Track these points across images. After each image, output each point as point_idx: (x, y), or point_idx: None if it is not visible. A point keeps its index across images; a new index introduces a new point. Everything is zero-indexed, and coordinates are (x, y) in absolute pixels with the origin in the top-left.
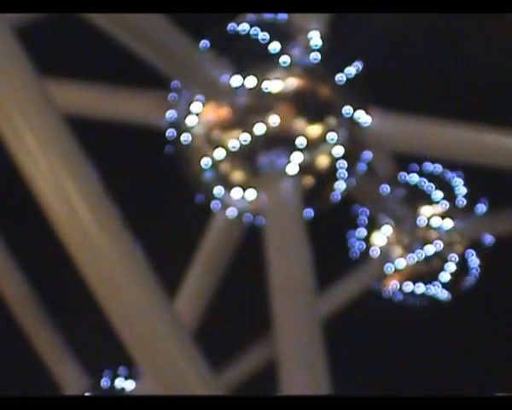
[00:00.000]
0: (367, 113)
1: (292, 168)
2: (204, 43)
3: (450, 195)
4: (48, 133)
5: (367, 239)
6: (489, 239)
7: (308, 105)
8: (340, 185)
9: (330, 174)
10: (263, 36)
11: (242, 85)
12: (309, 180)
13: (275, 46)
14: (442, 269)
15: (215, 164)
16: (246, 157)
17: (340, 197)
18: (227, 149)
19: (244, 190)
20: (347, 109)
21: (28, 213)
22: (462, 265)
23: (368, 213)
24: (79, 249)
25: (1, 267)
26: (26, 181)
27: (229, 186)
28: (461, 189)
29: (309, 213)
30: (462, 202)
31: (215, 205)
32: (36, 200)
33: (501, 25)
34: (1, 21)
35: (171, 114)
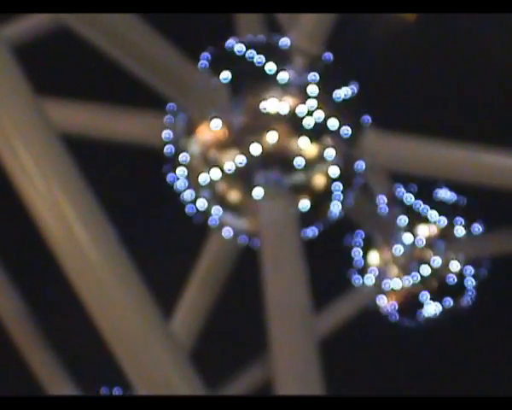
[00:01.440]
0: (363, 132)
1: (288, 188)
2: (201, 63)
3: (446, 214)
4: (44, 152)
5: (363, 259)
6: (486, 259)
7: (304, 125)
8: (336, 205)
9: (326, 194)
10: (259, 56)
11: (239, 105)
12: (305, 200)
13: (271, 66)
14: (439, 289)
15: (211, 183)
16: (242, 177)
17: (336, 217)
18: (223, 169)
19: (240, 209)
20: (343, 129)
21: (24, 232)
22: (459, 285)
23: (364, 232)
24: (75, 267)
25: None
26: (22, 199)
27: (225, 206)
28: (457, 208)
29: (305, 232)
30: (458, 221)
31: (212, 224)
32: (32, 218)
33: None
34: None
35: (167, 133)
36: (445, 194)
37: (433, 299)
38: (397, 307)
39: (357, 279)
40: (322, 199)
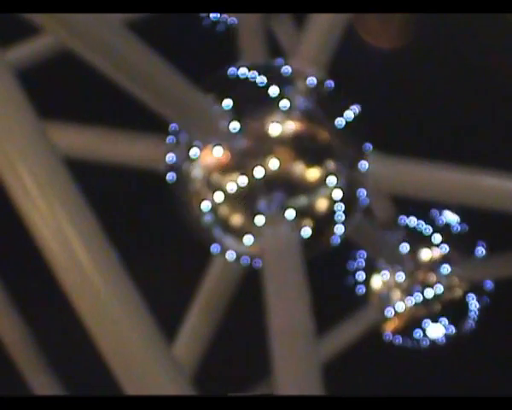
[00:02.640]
0: (366, 156)
1: (291, 212)
2: (204, 86)
3: (449, 238)
4: (48, 176)
5: (366, 283)
6: (489, 282)
7: (307, 149)
8: (339, 229)
9: (329, 218)
10: (261, 80)
11: (241, 129)
12: (308, 224)
13: (273, 90)
14: (441, 313)
15: (214, 207)
16: (245, 201)
17: (338, 241)
18: (226, 193)
19: (243, 233)
20: (346, 153)
21: (27, 256)
22: (462, 308)
23: (367, 256)
24: (78, 293)
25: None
26: (25, 224)
27: (227, 229)
28: (460, 232)
29: (308, 256)
30: (461, 245)
31: (214, 248)
32: (35, 243)
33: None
34: (1, 63)
35: (170, 157)
36: (447, 217)
37: (436, 322)
38: (399, 331)
39: (359, 303)
40: (324, 223)
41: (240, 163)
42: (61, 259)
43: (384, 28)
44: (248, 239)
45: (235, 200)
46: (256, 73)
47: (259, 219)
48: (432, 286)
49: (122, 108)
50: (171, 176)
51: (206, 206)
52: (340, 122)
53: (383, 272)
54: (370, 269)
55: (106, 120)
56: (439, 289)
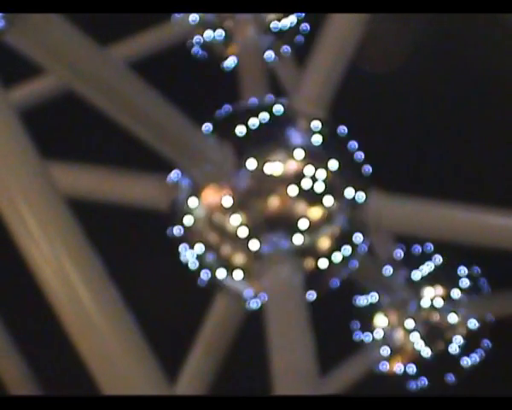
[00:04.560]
0: (367, 194)
1: (293, 251)
2: (206, 126)
3: (452, 276)
4: (50, 216)
5: (370, 321)
6: (492, 320)
7: (308, 188)
8: (342, 267)
9: (331, 256)
10: (263, 119)
11: (243, 168)
12: (310, 262)
13: (275, 129)
14: (445, 350)
15: (216, 246)
16: (247, 240)
17: (341, 279)
18: (228, 232)
19: (245, 272)
20: (348, 192)
21: (29, 296)
22: (465, 346)
23: (370, 294)
24: (79, 332)
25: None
26: (27, 263)
27: (230, 268)
28: (463, 270)
29: (310, 295)
30: (464, 283)
31: (216, 287)
32: (37, 282)
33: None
34: (4, 103)
35: (172, 196)
36: (450, 255)
37: (440, 360)
38: (403, 369)
39: (363, 342)
40: (327, 261)
41: (241, 202)
42: (62, 297)
43: (378, 53)
44: (251, 278)
45: (237, 239)
46: (257, 112)
47: (262, 259)
48: (435, 324)
49: (124, 148)
50: (173, 215)
51: (208, 245)
52: (341, 160)
53: (386, 310)
54: (374, 307)
55: (107, 159)
56: (442, 326)
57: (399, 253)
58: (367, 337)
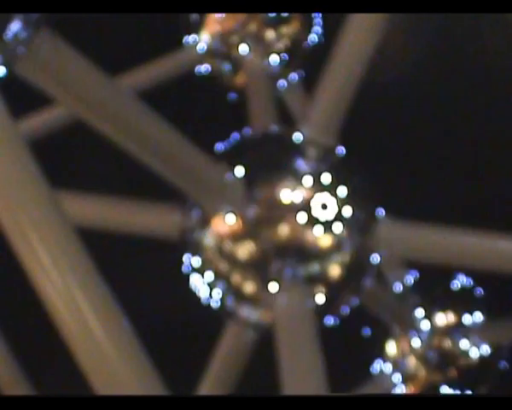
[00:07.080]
0: (377, 221)
1: (303, 278)
2: (215, 155)
3: (464, 302)
4: (60, 246)
5: (381, 349)
6: (506, 347)
7: (318, 215)
8: (352, 294)
9: (342, 284)
10: (272, 147)
11: (253, 196)
12: (321, 290)
13: (284, 157)
14: (458, 378)
15: (226, 275)
16: (257, 268)
17: (352, 307)
18: (238, 261)
19: (256, 300)
20: (358, 219)
21: (39, 326)
22: (479, 373)
23: (381, 322)
24: (89, 361)
25: (8, 378)
26: (37, 293)
27: (240, 297)
28: (475, 296)
29: (321, 323)
30: (476, 309)
31: (226, 315)
32: (47, 312)
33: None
34: (13, 133)
35: (182, 226)
36: (462, 281)
37: (452, 388)
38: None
39: (375, 370)
40: (337, 289)
41: (251, 230)
42: (74, 328)
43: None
44: (261, 307)
45: (247, 268)
46: (266, 140)
47: (272, 287)
48: (448, 351)
49: (134, 178)
50: (183, 245)
51: (218, 274)
52: (351, 188)
53: (398, 338)
54: (385, 335)
55: (118, 189)
56: (456, 353)
57: (410, 279)
58: (378, 365)
